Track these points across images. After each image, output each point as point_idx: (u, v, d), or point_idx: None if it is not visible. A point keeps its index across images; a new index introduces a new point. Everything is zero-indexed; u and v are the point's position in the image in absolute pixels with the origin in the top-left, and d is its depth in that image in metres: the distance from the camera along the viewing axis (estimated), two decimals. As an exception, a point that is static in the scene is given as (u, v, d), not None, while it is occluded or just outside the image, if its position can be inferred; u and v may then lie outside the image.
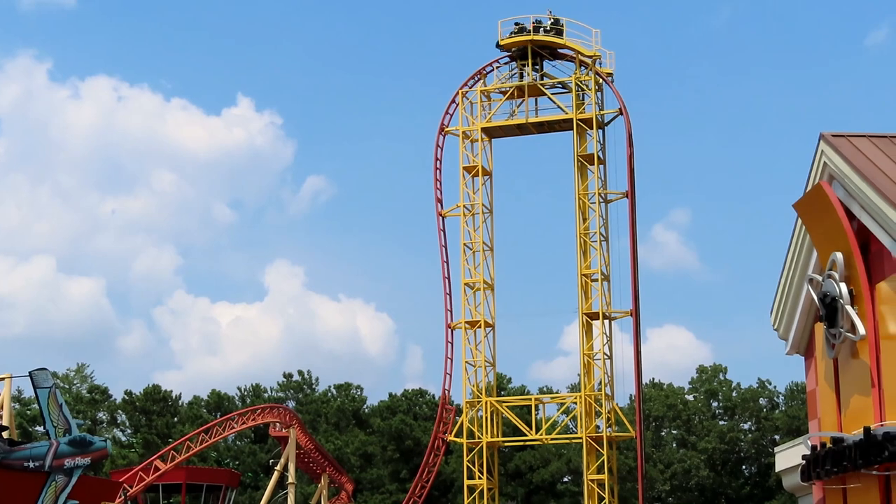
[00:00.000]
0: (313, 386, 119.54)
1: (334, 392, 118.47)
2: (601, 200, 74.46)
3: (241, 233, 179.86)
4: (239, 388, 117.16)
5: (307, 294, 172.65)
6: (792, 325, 24.70)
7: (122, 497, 60.57)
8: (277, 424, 77.04)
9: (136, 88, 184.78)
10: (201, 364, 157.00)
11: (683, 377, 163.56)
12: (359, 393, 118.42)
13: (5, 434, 43.89)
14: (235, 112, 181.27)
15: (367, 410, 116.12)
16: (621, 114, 74.99)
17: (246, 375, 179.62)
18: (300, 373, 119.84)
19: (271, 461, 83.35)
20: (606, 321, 73.77)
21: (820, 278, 22.78)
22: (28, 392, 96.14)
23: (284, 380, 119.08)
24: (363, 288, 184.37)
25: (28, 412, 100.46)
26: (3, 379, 67.47)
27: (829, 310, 22.37)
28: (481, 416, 74.50)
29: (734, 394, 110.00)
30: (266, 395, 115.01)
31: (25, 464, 41.34)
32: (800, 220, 23.83)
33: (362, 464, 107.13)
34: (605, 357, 73.54)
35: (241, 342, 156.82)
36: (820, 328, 23.12)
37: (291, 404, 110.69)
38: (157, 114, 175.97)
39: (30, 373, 42.89)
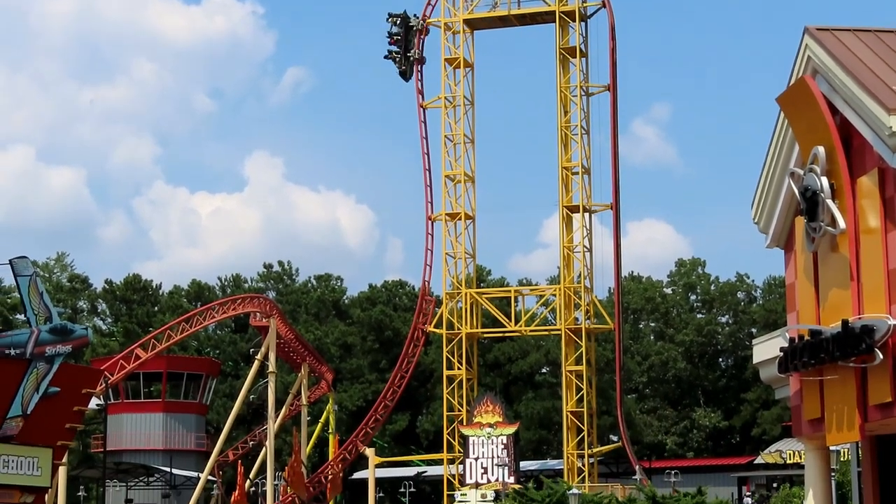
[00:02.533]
0: (293, 277, 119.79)
1: (314, 283, 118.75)
2: (583, 93, 74.30)
3: (220, 123, 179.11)
4: (219, 279, 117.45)
5: (287, 185, 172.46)
6: (772, 218, 24.76)
7: (104, 385, 60.81)
8: (258, 314, 77.23)
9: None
10: (181, 254, 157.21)
11: (662, 271, 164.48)
12: (339, 284, 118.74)
13: (-14, 321, 44.02)
14: (216, 1, 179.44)
15: (346, 301, 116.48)
16: (604, 6, 74.57)
17: (226, 266, 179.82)
18: (280, 263, 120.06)
19: (251, 350, 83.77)
20: (587, 214, 74.00)
21: (801, 172, 22.81)
22: (8, 281, 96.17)
23: (265, 270, 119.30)
24: (343, 180, 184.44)
25: (8, 301, 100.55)
26: (-17, 267, 67.55)
27: (809, 203, 22.42)
28: (461, 308, 74.92)
29: (712, 287, 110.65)
30: (246, 285, 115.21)
31: (6, 351, 41.36)
32: (782, 114, 23.79)
33: (342, 354, 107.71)
34: (585, 250, 73.88)
35: (220, 232, 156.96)
36: (800, 222, 23.20)
37: (272, 295, 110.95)
38: (137, 1, 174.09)
39: (10, 261, 42.73)
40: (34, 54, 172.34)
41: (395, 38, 77.18)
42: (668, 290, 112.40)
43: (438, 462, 79.08)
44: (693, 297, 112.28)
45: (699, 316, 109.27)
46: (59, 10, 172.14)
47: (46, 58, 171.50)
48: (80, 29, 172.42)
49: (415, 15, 77.36)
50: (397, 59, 77.22)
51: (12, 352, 42.19)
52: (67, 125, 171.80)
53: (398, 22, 77.18)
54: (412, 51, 76.77)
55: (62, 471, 57.69)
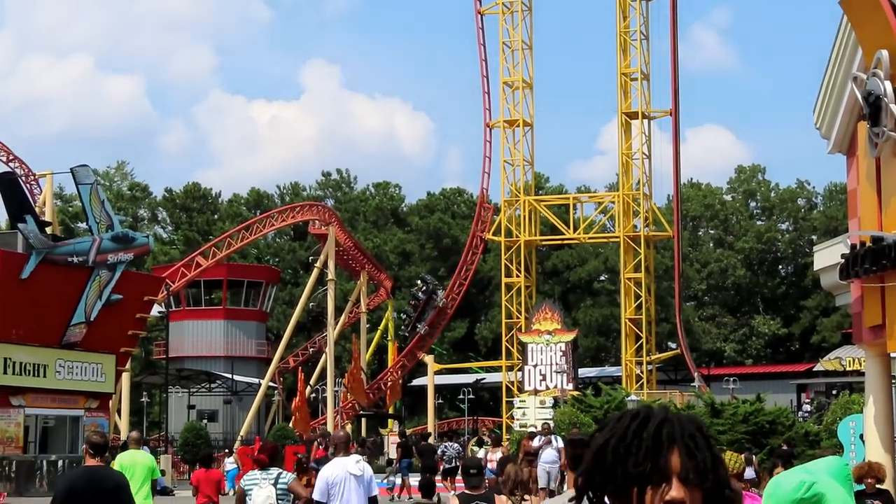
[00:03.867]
0: (351, 184, 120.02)
1: (372, 191, 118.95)
2: (642, -2, 73.45)
3: (277, 31, 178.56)
4: (278, 187, 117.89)
5: (344, 93, 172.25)
6: (834, 124, 24.46)
7: (165, 292, 61.47)
8: (317, 222, 77.59)
9: None
10: (240, 162, 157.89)
11: (722, 177, 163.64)
12: (397, 191, 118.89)
13: (48, 230, 44.39)
14: None
15: (405, 209, 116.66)
16: None
17: (284, 174, 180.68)
18: (338, 171, 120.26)
19: (311, 258, 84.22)
20: (645, 120, 73.52)
21: (864, 77, 22.48)
22: (69, 189, 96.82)
23: (323, 178, 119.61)
24: (400, 87, 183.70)
25: (70, 209, 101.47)
26: (44, 175, 68.12)
27: (872, 108, 22.12)
28: (519, 215, 74.85)
29: (772, 194, 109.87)
30: (305, 193, 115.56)
31: (69, 259, 41.89)
32: (845, 17, 23.42)
33: (401, 262, 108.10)
34: (644, 156, 73.47)
35: (278, 140, 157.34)
36: (863, 127, 22.91)
37: (330, 202, 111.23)
38: None
39: (71, 169, 43.14)
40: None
41: None
42: (728, 197, 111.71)
43: (497, 369, 79.49)
44: (753, 204, 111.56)
45: (759, 223, 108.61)
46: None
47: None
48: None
49: None
50: None
51: (75, 259, 42.72)
52: (125, 34, 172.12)
53: None
54: None
55: (125, 377, 58.57)
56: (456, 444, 41.51)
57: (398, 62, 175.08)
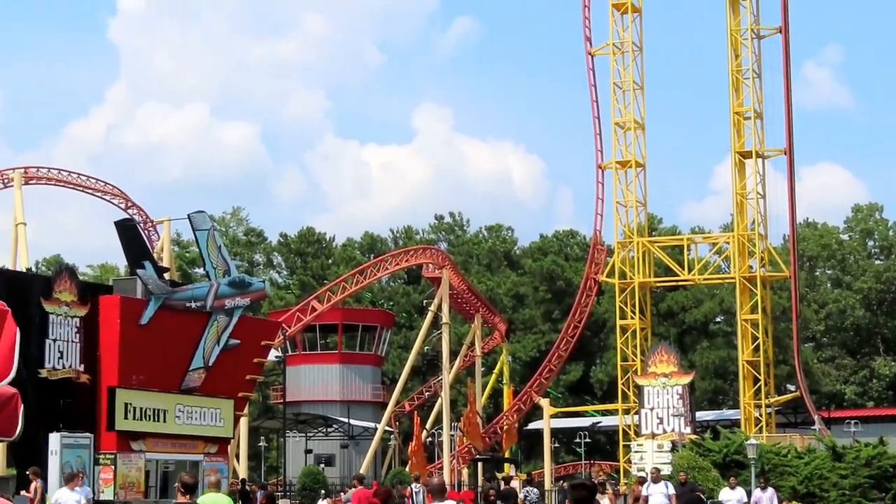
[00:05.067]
0: (464, 227, 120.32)
1: (485, 233, 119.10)
2: (754, 36, 72.89)
3: (389, 75, 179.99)
4: (391, 230, 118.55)
5: (456, 136, 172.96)
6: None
7: (281, 336, 61.96)
8: (430, 265, 77.81)
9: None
10: (353, 206, 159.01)
11: (838, 216, 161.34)
12: (510, 234, 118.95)
13: (167, 275, 44.96)
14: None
15: (518, 251, 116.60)
16: (775, -54, 72.93)
17: (397, 217, 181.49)
18: (451, 214, 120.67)
19: (425, 302, 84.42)
20: (759, 159, 72.76)
21: None
22: (187, 235, 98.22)
23: (436, 221, 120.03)
24: (512, 129, 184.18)
25: (187, 254, 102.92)
26: (162, 222, 69.17)
27: None
28: (633, 257, 74.37)
29: (891, 232, 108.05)
30: (418, 236, 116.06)
31: (188, 304, 42.32)
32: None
33: (514, 304, 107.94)
34: (759, 196, 72.66)
35: (391, 184, 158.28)
36: None
37: (443, 246, 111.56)
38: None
39: (188, 215, 43.63)
40: (205, 10, 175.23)
41: None
42: (845, 237, 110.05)
43: (613, 412, 78.86)
44: (871, 243, 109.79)
45: (877, 262, 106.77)
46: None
47: (217, 13, 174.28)
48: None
49: None
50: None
51: (193, 304, 43.17)
52: (239, 81, 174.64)
53: None
54: None
55: (243, 421, 58.99)
56: (536, 489, 41.09)
57: (509, 104, 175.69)
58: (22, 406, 8.72)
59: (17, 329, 6.19)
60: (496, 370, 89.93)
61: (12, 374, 6.20)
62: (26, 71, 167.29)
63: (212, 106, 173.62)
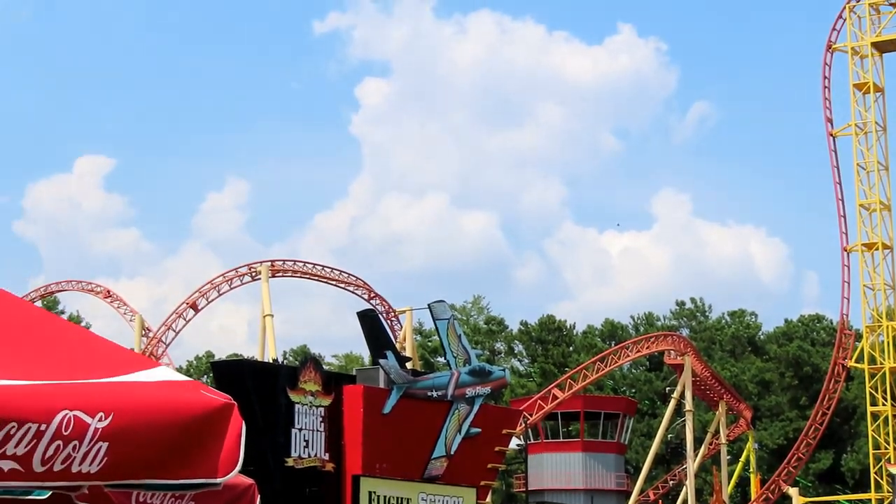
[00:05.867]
0: (706, 313, 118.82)
1: (728, 319, 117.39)
2: None
3: (626, 162, 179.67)
4: (632, 317, 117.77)
5: (695, 221, 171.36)
6: None
7: (523, 425, 62.12)
8: (672, 352, 77.04)
9: (519, 22, 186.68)
10: (593, 293, 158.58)
11: None
12: (753, 319, 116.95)
13: (409, 365, 45.59)
14: (619, 39, 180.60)
15: (762, 337, 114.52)
16: None
17: (638, 304, 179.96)
18: (693, 300, 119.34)
19: (667, 389, 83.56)
20: None
21: None
22: (428, 324, 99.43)
23: (677, 307, 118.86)
24: (753, 213, 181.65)
25: (429, 343, 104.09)
26: (404, 312, 70.37)
27: None
28: (882, 341, 72.32)
29: None
30: (659, 323, 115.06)
31: (429, 393, 42.75)
32: None
33: (760, 391, 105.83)
34: None
35: (631, 271, 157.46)
36: None
37: (685, 332, 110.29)
38: (542, 45, 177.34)
39: (429, 305, 44.18)
40: (442, 103, 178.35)
41: None
42: None
43: (866, 502, 76.42)
44: None
45: None
46: (466, 60, 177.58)
47: (454, 105, 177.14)
48: (487, 75, 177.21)
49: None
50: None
51: (434, 394, 43.61)
52: (478, 171, 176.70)
53: None
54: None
55: (486, 510, 59.09)
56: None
57: (749, 188, 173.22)
58: (258, 497, 8.91)
59: (243, 423, 6.43)
60: (742, 458, 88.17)
61: (238, 467, 6.40)
62: (274, 166, 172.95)
63: (451, 196, 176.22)
